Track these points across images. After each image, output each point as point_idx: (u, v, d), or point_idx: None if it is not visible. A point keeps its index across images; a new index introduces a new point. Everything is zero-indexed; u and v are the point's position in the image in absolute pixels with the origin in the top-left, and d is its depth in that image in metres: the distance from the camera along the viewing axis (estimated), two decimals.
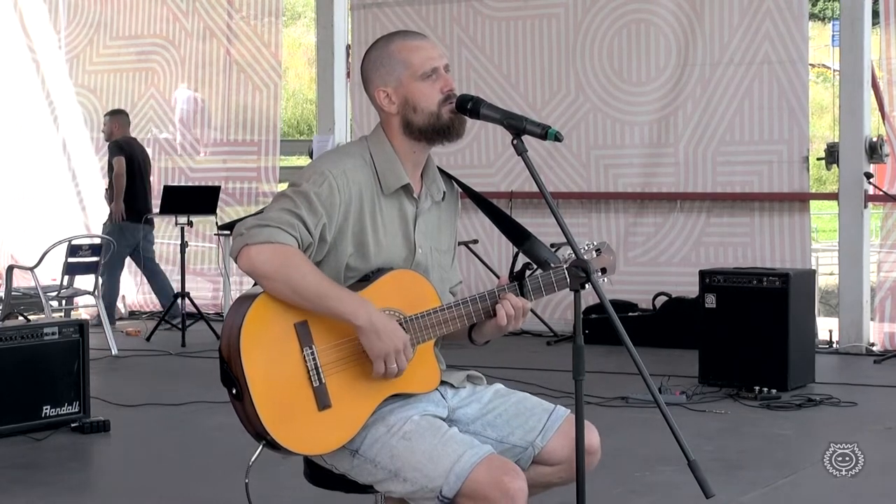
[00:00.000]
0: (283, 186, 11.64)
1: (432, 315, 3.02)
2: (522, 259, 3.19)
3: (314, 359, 2.91)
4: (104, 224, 10.57)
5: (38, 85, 12.32)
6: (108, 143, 10.60)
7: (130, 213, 10.36)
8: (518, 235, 3.19)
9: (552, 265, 3.10)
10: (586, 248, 3.17)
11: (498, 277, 3.18)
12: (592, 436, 3.07)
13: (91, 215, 11.93)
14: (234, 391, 2.88)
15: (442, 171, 3.25)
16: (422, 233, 3.15)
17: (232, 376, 2.87)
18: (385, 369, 2.92)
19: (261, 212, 3.06)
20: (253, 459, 2.93)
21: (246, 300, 2.92)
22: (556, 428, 3.09)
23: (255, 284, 3.00)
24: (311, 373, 2.90)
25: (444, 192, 3.23)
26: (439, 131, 3.07)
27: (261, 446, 2.90)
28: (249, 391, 2.84)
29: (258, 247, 2.88)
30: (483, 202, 3.26)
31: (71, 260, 9.19)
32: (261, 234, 2.89)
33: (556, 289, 3.11)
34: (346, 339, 2.95)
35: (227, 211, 11.16)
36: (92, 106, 12.13)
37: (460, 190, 3.32)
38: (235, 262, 2.94)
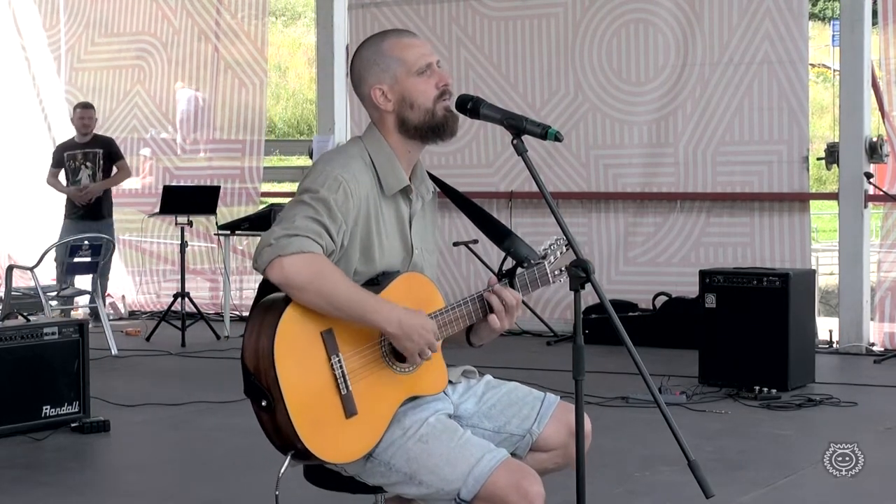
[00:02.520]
0: (270, 186, 11.73)
1: (440, 316, 3.03)
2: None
3: (341, 367, 2.90)
4: None
5: (29, 83, 12.32)
6: None
7: None
8: (498, 234, 3.20)
9: (533, 262, 3.11)
10: (557, 243, 3.16)
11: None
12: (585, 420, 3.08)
13: None
14: (263, 403, 2.84)
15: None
16: (417, 234, 3.16)
17: (262, 388, 2.84)
18: (419, 360, 2.96)
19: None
20: (283, 470, 2.90)
21: (272, 309, 2.88)
22: (549, 414, 3.14)
23: (259, 287, 2.99)
24: (339, 381, 2.89)
25: (433, 192, 3.24)
26: (433, 129, 3.08)
27: (289, 457, 2.88)
28: (284, 402, 2.81)
29: (290, 258, 2.85)
30: (463, 201, 3.25)
31: (70, 260, 9.18)
32: (291, 245, 2.86)
33: (540, 284, 3.14)
34: (367, 345, 2.96)
35: None
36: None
37: (438, 189, 3.30)
38: (264, 273, 2.89)
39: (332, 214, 2.94)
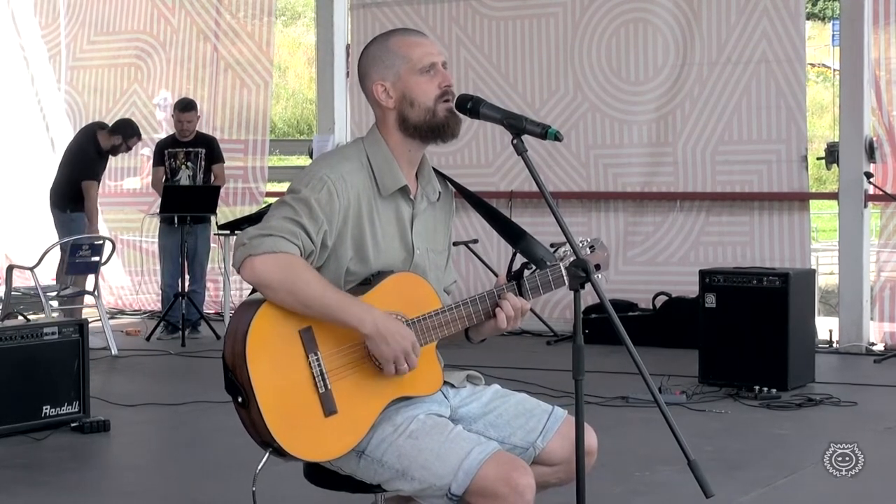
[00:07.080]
0: (270, 186, 11.71)
1: (434, 317, 3.02)
2: (521, 258, 3.19)
3: (319, 365, 2.90)
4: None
5: (27, 83, 12.32)
6: None
7: None
8: (513, 235, 3.19)
9: (549, 263, 3.11)
10: (581, 244, 3.18)
11: (497, 277, 3.18)
12: (591, 437, 3.08)
13: None
14: (239, 399, 2.87)
15: (437, 172, 3.24)
16: (419, 234, 3.15)
17: (237, 384, 2.86)
18: (396, 371, 2.93)
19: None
20: (260, 467, 2.92)
21: (249, 307, 2.91)
22: (555, 429, 3.10)
23: (253, 291, 2.99)
24: (316, 379, 2.89)
25: (440, 192, 3.23)
26: (433, 129, 3.07)
27: (267, 453, 2.89)
28: (256, 399, 2.83)
29: (261, 257, 2.87)
30: (478, 202, 3.25)
31: (71, 259, 9.17)
32: (263, 245, 2.88)
33: (554, 287, 3.13)
34: (350, 344, 2.95)
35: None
36: (75, 104, 12.13)
37: (454, 190, 3.31)
38: (238, 272, 2.92)
39: (313, 214, 2.94)
